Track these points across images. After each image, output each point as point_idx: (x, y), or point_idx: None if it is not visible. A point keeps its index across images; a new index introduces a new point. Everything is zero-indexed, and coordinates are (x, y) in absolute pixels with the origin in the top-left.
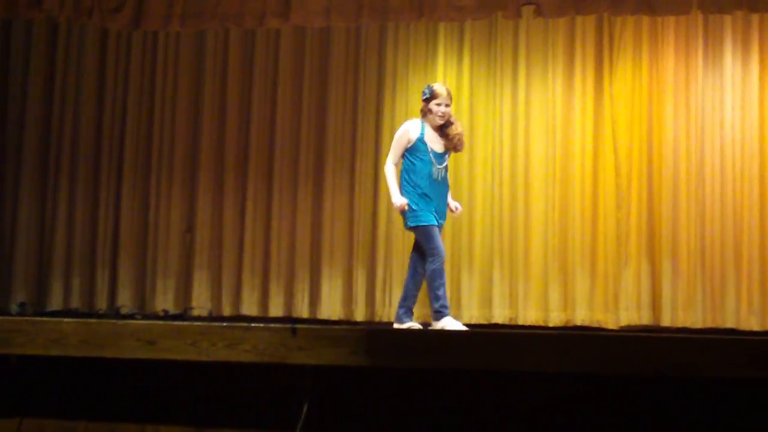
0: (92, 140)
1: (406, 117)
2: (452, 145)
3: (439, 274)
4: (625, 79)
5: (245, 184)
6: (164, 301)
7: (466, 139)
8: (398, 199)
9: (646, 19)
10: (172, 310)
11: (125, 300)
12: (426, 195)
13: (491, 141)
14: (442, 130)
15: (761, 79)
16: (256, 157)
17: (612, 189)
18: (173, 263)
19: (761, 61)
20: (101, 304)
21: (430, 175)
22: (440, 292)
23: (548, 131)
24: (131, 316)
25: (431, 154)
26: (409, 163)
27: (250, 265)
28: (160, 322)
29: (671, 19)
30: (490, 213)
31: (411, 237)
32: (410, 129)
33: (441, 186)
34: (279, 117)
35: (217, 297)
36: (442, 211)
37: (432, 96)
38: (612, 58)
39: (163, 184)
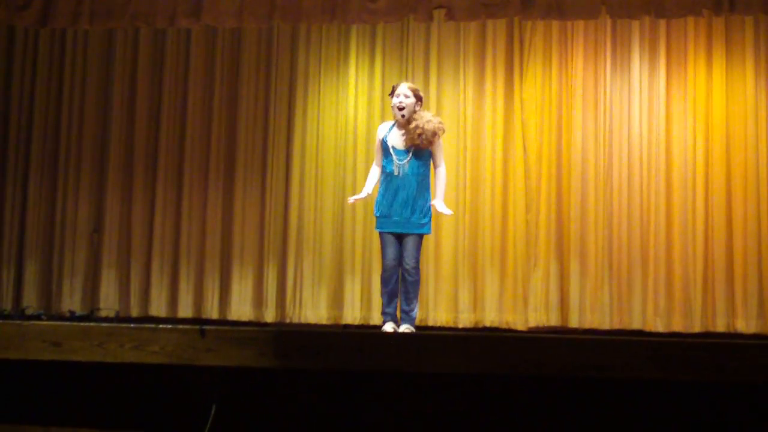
0: None
1: (318, 119)
2: (411, 139)
3: (382, 282)
4: (535, 82)
5: (154, 184)
6: (71, 301)
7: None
8: (360, 194)
9: (555, 24)
10: (78, 311)
11: (31, 300)
12: (386, 193)
13: None
14: (407, 125)
15: (667, 83)
16: (165, 157)
17: (521, 191)
18: (80, 263)
19: (667, 65)
20: (6, 304)
21: (391, 172)
22: (383, 299)
23: (459, 134)
24: (37, 317)
25: (392, 151)
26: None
27: (159, 265)
28: (67, 323)
29: (580, 24)
30: None
31: (321, 239)
32: (379, 131)
33: (403, 181)
34: (189, 116)
35: (125, 298)
36: (405, 203)
37: (391, 92)
38: (522, 61)
39: (71, 183)
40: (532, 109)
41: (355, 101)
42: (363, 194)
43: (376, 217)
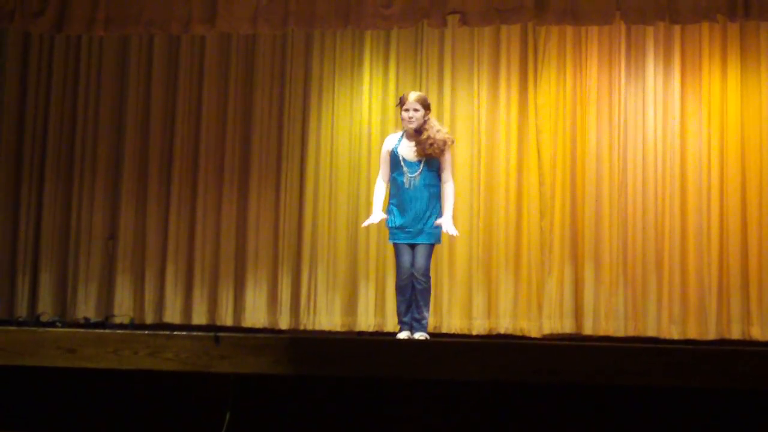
0: (13, 143)
1: (332, 124)
2: (423, 150)
3: (398, 290)
4: (550, 88)
5: (169, 190)
6: (86, 308)
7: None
8: (372, 217)
9: (570, 29)
10: (93, 318)
11: (46, 307)
12: (399, 206)
13: None
14: (418, 136)
15: (682, 89)
16: (180, 164)
17: (536, 198)
18: (95, 270)
19: (682, 71)
20: (21, 311)
21: (402, 184)
22: (399, 308)
23: (473, 140)
24: (52, 324)
25: (402, 163)
26: (391, 175)
27: (174, 272)
28: (82, 330)
29: (594, 30)
30: None
31: (335, 246)
32: (387, 142)
33: (416, 192)
34: (204, 123)
35: (139, 304)
36: (418, 216)
37: (400, 103)
38: (537, 67)
39: (86, 189)
40: (547, 115)
41: (369, 107)
42: (376, 219)
43: (389, 228)
